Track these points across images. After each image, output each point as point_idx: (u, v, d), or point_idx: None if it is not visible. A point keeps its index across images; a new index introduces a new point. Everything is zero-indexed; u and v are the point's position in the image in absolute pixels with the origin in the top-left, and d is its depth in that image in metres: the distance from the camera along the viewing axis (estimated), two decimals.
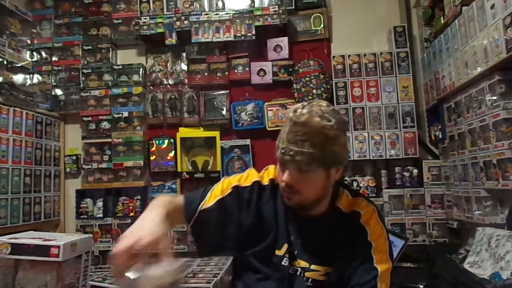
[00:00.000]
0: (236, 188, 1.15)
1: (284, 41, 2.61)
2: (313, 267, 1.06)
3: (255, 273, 1.10)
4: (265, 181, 1.16)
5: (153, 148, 2.66)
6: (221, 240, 1.12)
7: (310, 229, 1.08)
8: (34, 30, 2.77)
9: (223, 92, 2.63)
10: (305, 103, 1.01)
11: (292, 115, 0.98)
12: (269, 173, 1.18)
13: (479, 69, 1.72)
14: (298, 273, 1.07)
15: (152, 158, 2.65)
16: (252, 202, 1.13)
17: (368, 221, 1.06)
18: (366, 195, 2.41)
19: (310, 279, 1.05)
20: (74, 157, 2.74)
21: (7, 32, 2.34)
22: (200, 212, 1.11)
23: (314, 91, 2.48)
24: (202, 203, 1.12)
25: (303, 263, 1.07)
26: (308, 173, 0.99)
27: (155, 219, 0.92)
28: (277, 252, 1.08)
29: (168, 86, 2.73)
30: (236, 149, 2.59)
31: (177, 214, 1.08)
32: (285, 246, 1.08)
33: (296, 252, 1.08)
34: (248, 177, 1.18)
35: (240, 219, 1.11)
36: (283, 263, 1.07)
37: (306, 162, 0.96)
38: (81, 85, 2.72)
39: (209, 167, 2.62)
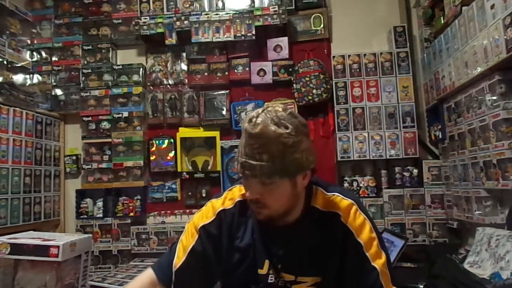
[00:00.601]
0: (202, 229, 1.07)
1: (284, 41, 2.61)
2: (299, 279, 1.02)
3: None
4: (229, 205, 1.09)
5: (153, 148, 2.66)
6: (210, 283, 1.10)
7: (287, 237, 1.03)
8: (34, 30, 2.78)
9: (223, 92, 2.63)
10: (260, 110, 0.94)
11: (247, 125, 0.92)
12: (234, 193, 1.11)
13: (479, 69, 1.72)
14: (284, 285, 1.02)
15: (152, 158, 2.65)
16: (223, 233, 1.07)
17: (348, 219, 1.01)
18: (366, 195, 2.43)
19: None
20: (74, 157, 2.74)
21: (7, 32, 2.34)
22: (176, 272, 1.03)
23: (314, 91, 2.48)
24: (173, 262, 1.04)
25: (288, 277, 1.02)
26: (271, 185, 0.93)
27: None
28: (260, 272, 1.04)
29: (168, 86, 2.74)
30: (236, 149, 2.57)
31: None
32: (267, 263, 1.03)
33: (279, 266, 1.02)
34: (209, 211, 1.10)
35: (217, 256, 1.06)
36: (269, 281, 1.03)
37: (266, 175, 0.91)
38: (81, 85, 2.72)
39: (209, 167, 2.62)
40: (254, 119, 0.92)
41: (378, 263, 0.97)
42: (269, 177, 0.92)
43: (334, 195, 1.05)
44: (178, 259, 1.04)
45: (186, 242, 1.06)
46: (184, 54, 2.72)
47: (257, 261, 1.04)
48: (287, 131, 0.91)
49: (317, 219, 1.03)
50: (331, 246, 1.01)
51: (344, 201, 1.04)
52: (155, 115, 2.70)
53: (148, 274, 1.06)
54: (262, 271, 1.03)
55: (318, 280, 1.02)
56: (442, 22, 2.20)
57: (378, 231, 1.03)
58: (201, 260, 1.04)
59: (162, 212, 2.60)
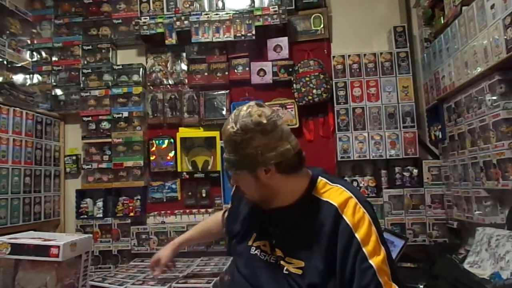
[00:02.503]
0: (232, 194, 1.38)
1: (284, 41, 2.61)
2: (287, 258, 1.07)
3: (235, 263, 1.22)
4: None
5: (153, 148, 2.66)
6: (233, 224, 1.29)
7: (281, 218, 1.11)
8: (34, 30, 2.78)
9: (223, 92, 2.64)
10: (237, 108, 1.09)
11: (226, 125, 1.08)
12: None
13: (479, 69, 1.72)
14: (275, 261, 1.10)
15: (152, 158, 2.65)
16: (234, 203, 1.32)
17: (346, 211, 1.01)
18: (366, 195, 2.42)
19: (286, 268, 1.06)
20: (74, 157, 2.74)
21: (7, 32, 2.34)
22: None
23: (314, 91, 2.48)
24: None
25: (279, 253, 1.10)
26: (237, 175, 1.12)
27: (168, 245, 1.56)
28: (248, 243, 1.17)
29: (168, 86, 2.74)
30: None
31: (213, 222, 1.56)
32: (254, 236, 1.17)
33: (273, 242, 1.12)
34: None
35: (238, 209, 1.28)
36: (250, 252, 1.15)
37: (227, 167, 1.11)
38: (81, 85, 2.72)
39: (209, 167, 2.62)
40: (230, 118, 1.07)
41: (376, 260, 0.96)
42: (230, 168, 1.10)
43: (336, 186, 1.09)
44: (226, 212, 1.41)
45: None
46: (184, 54, 2.72)
47: (247, 232, 1.19)
48: (233, 130, 1.04)
49: (313, 206, 1.07)
50: (321, 235, 1.03)
51: (344, 193, 1.06)
52: (155, 115, 2.70)
53: (219, 215, 1.49)
54: (249, 242, 1.17)
55: (301, 265, 1.04)
56: (442, 22, 2.21)
57: (379, 226, 1.03)
58: (234, 202, 1.33)
59: (162, 212, 2.60)
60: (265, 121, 1.03)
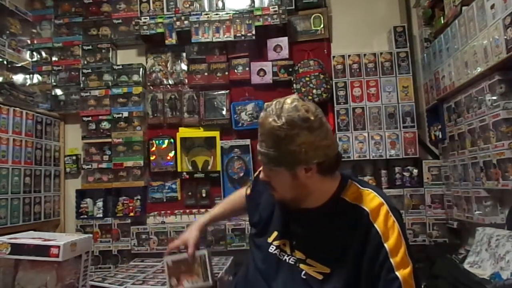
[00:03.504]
0: (253, 180, 1.36)
1: (284, 41, 2.61)
2: (309, 261, 1.03)
3: (252, 255, 1.18)
4: None
5: (153, 148, 2.66)
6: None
7: (307, 220, 1.07)
8: (34, 30, 2.78)
9: (223, 92, 2.63)
10: (278, 100, 1.00)
11: (260, 116, 1.02)
12: None
13: (479, 69, 1.72)
14: (294, 263, 1.05)
15: (152, 158, 2.65)
16: (255, 195, 1.28)
17: (377, 220, 0.97)
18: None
19: (304, 272, 1.02)
20: (74, 157, 2.74)
21: (7, 32, 2.34)
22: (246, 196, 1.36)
23: (314, 91, 2.48)
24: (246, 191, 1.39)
25: (300, 254, 1.05)
26: (272, 172, 1.03)
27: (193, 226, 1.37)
28: (268, 239, 1.13)
29: (168, 86, 2.74)
30: (236, 149, 2.59)
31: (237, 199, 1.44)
32: (275, 234, 1.12)
33: (294, 243, 1.07)
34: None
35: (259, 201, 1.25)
36: (269, 250, 1.11)
37: (265, 162, 1.02)
38: (81, 85, 2.72)
39: (209, 167, 2.62)
40: (267, 108, 1.00)
41: (403, 273, 0.92)
42: (268, 164, 1.02)
43: (367, 190, 1.05)
44: (249, 188, 1.36)
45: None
46: (184, 54, 2.72)
47: (268, 228, 1.15)
48: (278, 124, 0.95)
49: (342, 210, 1.02)
50: (349, 241, 0.99)
51: (376, 199, 1.02)
52: (155, 115, 2.69)
53: (242, 192, 1.40)
54: (269, 239, 1.13)
55: (326, 271, 1.00)
56: (442, 22, 2.21)
57: (407, 237, 0.99)
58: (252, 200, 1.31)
59: (162, 212, 2.60)
60: (312, 118, 0.97)
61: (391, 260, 0.93)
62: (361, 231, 0.98)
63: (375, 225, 0.97)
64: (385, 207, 0.99)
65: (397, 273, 0.92)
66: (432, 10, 2.37)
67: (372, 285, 0.95)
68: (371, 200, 1.01)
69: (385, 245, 0.95)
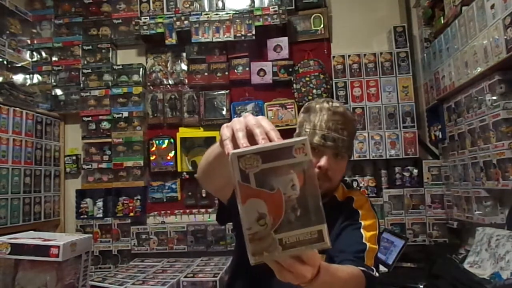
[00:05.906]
0: None
1: (284, 41, 2.61)
2: None
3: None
4: None
5: (153, 148, 2.66)
6: None
7: None
8: (34, 30, 2.77)
9: (223, 92, 2.63)
10: (323, 99, 1.11)
11: (329, 105, 1.07)
12: None
13: (479, 69, 1.72)
14: None
15: (152, 158, 2.65)
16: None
17: (361, 206, 1.10)
18: (366, 195, 2.42)
19: None
20: (74, 157, 2.73)
21: (7, 32, 2.34)
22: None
23: (314, 91, 2.48)
24: None
25: None
26: (340, 159, 1.07)
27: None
28: None
29: (168, 86, 2.74)
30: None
31: None
32: None
33: None
34: None
35: None
36: None
37: (342, 148, 1.06)
38: (81, 85, 2.72)
39: None
40: (331, 103, 1.08)
41: (368, 235, 1.01)
42: (342, 150, 1.06)
43: (354, 190, 1.20)
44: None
45: None
46: (184, 54, 2.72)
47: None
48: (342, 108, 1.08)
49: (335, 206, 1.11)
50: (340, 228, 1.06)
51: (360, 195, 1.18)
52: (155, 115, 2.69)
53: None
54: None
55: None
56: (442, 22, 2.20)
57: (380, 231, 1.09)
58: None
59: (162, 212, 2.60)
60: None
61: (361, 221, 1.05)
62: (347, 215, 1.08)
63: (358, 209, 1.09)
64: (368, 203, 1.13)
65: (360, 221, 1.04)
66: (432, 10, 2.37)
67: (338, 232, 1.04)
68: (358, 194, 1.17)
69: (361, 221, 1.05)
